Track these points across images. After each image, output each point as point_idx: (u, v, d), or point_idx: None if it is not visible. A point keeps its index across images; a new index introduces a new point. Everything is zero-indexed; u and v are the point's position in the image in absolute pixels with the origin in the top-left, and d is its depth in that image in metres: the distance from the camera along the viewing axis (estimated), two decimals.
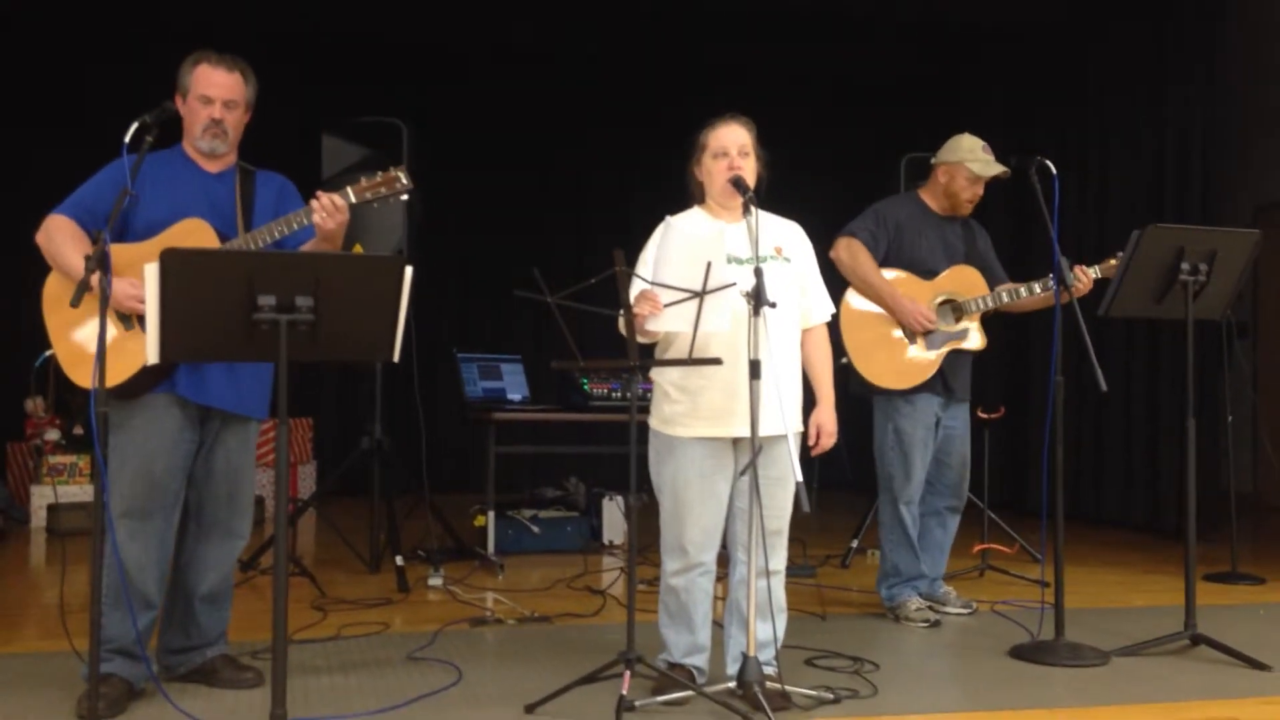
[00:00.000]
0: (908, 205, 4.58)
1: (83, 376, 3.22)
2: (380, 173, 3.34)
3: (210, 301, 2.73)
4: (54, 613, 4.45)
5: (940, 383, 4.42)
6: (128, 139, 3.04)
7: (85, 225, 3.26)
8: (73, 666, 3.37)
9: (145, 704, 3.20)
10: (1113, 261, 4.17)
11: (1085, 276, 4.20)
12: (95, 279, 2.85)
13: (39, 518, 6.68)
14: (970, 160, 4.42)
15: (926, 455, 4.44)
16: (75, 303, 2.87)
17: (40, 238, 3.28)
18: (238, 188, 3.40)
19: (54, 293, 3.29)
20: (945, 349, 4.40)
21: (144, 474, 3.22)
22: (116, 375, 3.13)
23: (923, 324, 4.34)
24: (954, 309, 4.43)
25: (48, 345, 3.30)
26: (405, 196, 3.36)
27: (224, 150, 3.38)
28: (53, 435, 6.84)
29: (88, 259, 2.86)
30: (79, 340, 3.25)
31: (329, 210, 3.22)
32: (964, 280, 4.44)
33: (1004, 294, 4.39)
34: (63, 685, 3.34)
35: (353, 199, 3.28)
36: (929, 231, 4.49)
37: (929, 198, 4.57)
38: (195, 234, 3.24)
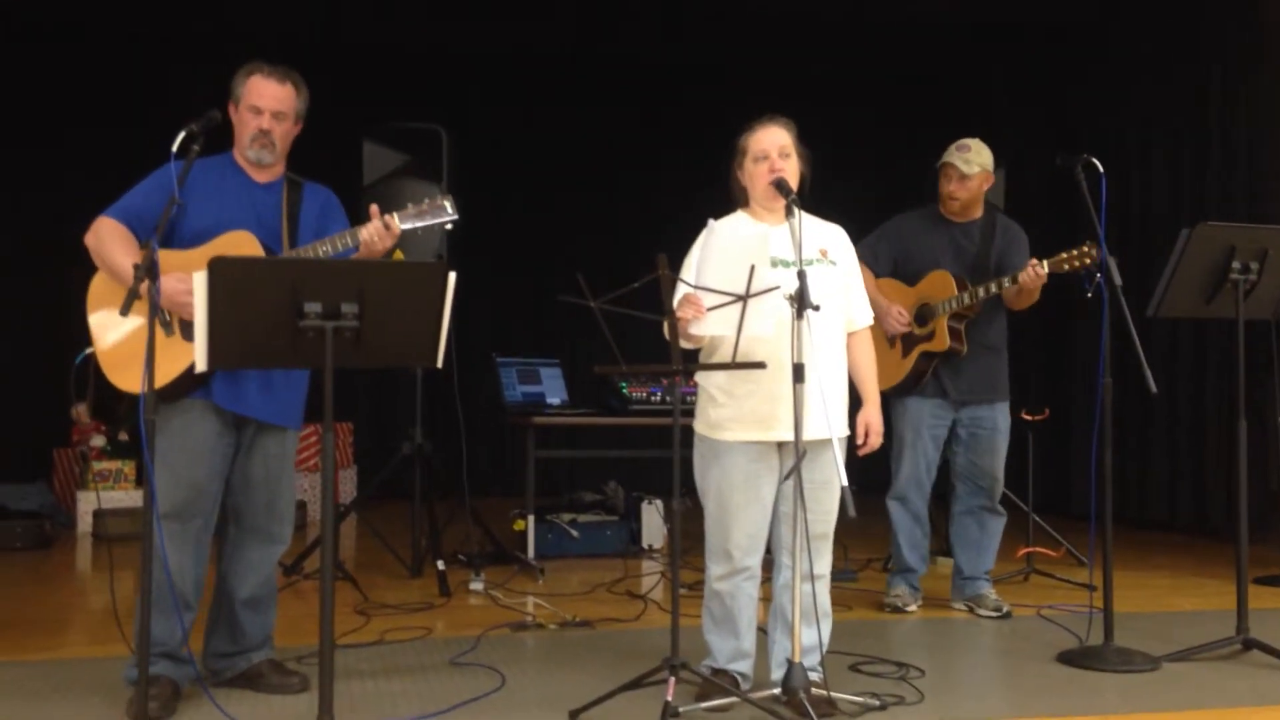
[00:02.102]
0: (916, 217, 4.74)
1: (122, 379, 3.25)
2: (428, 200, 3.38)
3: (257, 309, 2.75)
4: (99, 618, 4.51)
5: (934, 385, 4.54)
6: (175, 147, 3.07)
7: (134, 230, 3.30)
8: (118, 672, 3.41)
9: (193, 709, 3.22)
10: (1063, 255, 4.21)
11: (1035, 271, 4.24)
12: (144, 287, 2.87)
13: (85, 523, 6.76)
14: (945, 155, 4.57)
15: (919, 455, 4.57)
16: (125, 311, 2.89)
17: (90, 239, 3.31)
18: (284, 199, 3.42)
19: (99, 293, 3.33)
20: (915, 351, 4.54)
21: (183, 477, 3.25)
22: (158, 379, 3.15)
23: (896, 325, 4.53)
24: (927, 312, 4.53)
25: (88, 344, 3.32)
26: (450, 226, 3.41)
27: (271, 161, 3.41)
28: (98, 441, 6.91)
29: (136, 267, 2.89)
30: (119, 343, 3.27)
31: (379, 234, 3.25)
32: (938, 285, 4.53)
33: (965, 296, 4.44)
34: (109, 691, 3.37)
35: (401, 225, 3.31)
36: (935, 237, 4.61)
37: (942, 204, 4.67)
38: (240, 247, 3.26)
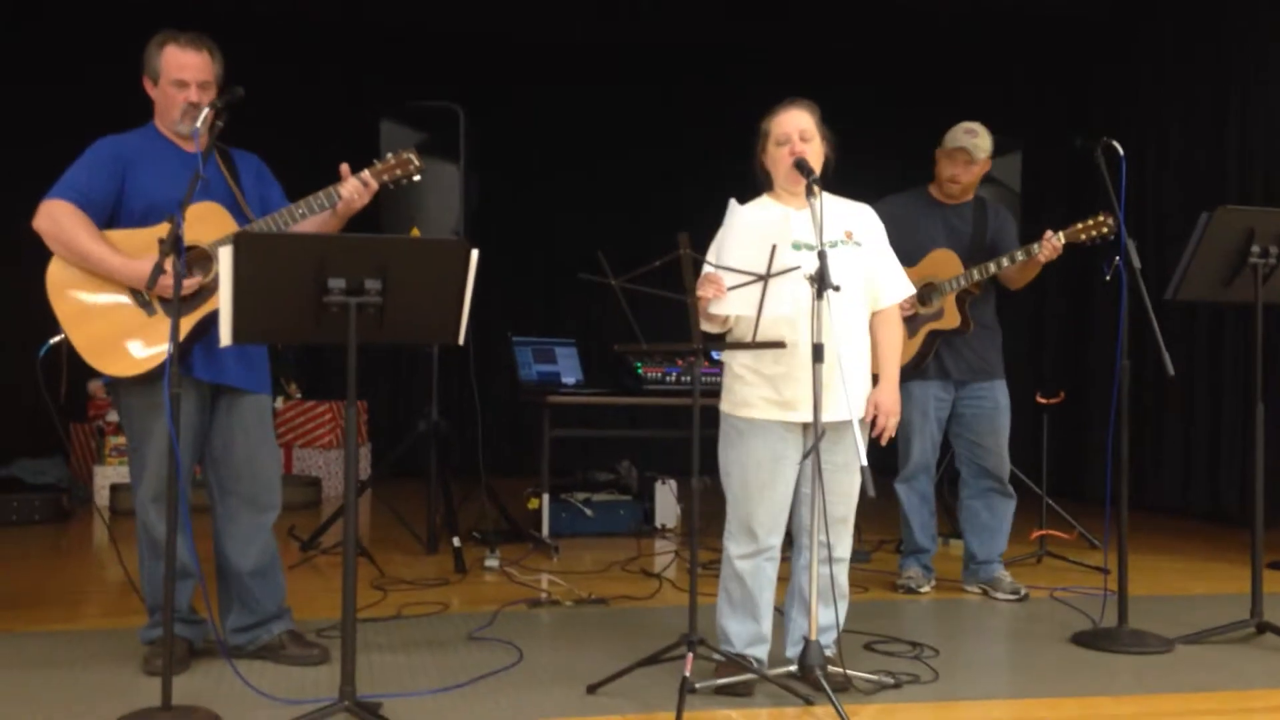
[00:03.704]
0: (907, 199, 4.71)
1: (107, 364, 3.22)
2: (392, 155, 3.36)
3: (281, 284, 2.77)
4: (116, 590, 4.55)
5: (935, 367, 4.55)
6: (199, 124, 3.08)
7: (85, 210, 3.23)
8: (135, 641, 3.48)
9: (215, 680, 3.26)
10: (1079, 226, 4.19)
11: (1053, 244, 4.22)
12: (169, 261, 2.89)
13: (102, 497, 6.81)
14: (946, 138, 4.56)
15: (927, 438, 4.59)
16: (150, 286, 2.91)
17: (45, 224, 3.22)
18: (223, 168, 3.39)
19: (59, 279, 3.24)
20: (923, 331, 4.51)
21: (169, 455, 3.24)
22: (142, 361, 3.18)
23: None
24: (931, 291, 4.50)
25: (53, 333, 3.25)
26: (417, 178, 3.38)
27: (202, 131, 3.29)
28: (114, 417, 6.94)
29: (161, 242, 2.90)
30: (95, 327, 3.22)
31: (359, 191, 3.27)
32: (941, 263, 4.51)
33: (974, 272, 4.42)
34: (127, 659, 3.44)
35: (372, 183, 3.31)
36: (929, 220, 4.59)
37: (934, 187, 4.68)
38: (211, 217, 3.24)
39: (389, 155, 3.36)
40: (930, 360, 4.54)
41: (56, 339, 3.24)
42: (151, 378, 3.19)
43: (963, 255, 4.51)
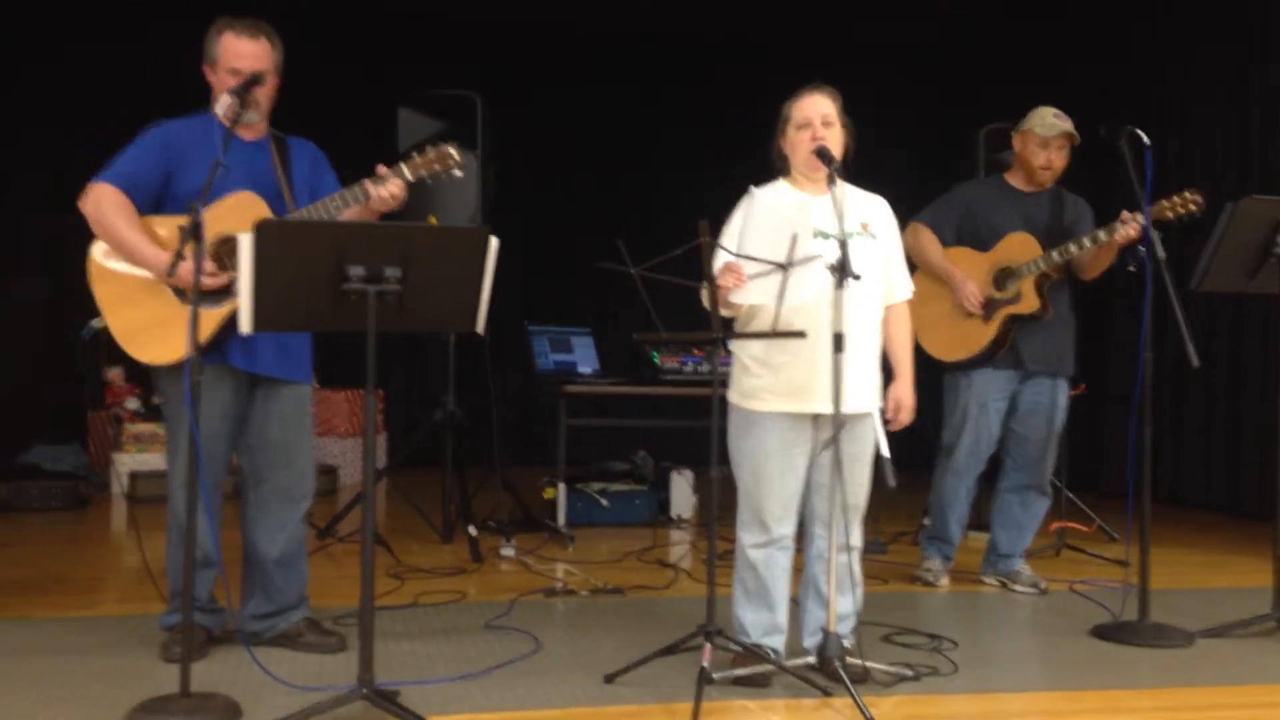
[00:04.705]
0: (982, 186, 4.66)
1: (141, 351, 3.25)
2: (431, 148, 3.30)
3: (301, 271, 2.76)
4: (134, 577, 4.57)
5: (1011, 356, 4.42)
6: (220, 110, 3.07)
7: (132, 197, 3.25)
8: (153, 627, 3.49)
9: (233, 667, 3.27)
10: (1165, 203, 4.05)
11: (1129, 226, 4.07)
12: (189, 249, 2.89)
13: (119, 485, 6.83)
14: (1037, 125, 4.41)
15: (981, 429, 4.48)
16: (171, 272, 2.90)
17: (88, 206, 3.26)
18: (275, 157, 3.40)
19: (100, 263, 3.29)
20: (1000, 315, 4.40)
21: (207, 441, 3.25)
22: (177, 348, 3.17)
23: (972, 305, 4.40)
24: (1008, 275, 4.41)
25: (94, 314, 3.29)
26: (458, 173, 3.31)
27: (257, 119, 3.35)
28: (132, 404, 6.98)
29: (181, 229, 2.90)
30: (133, 313, 3.25)
31: (386, 201, 3.24)
32: (1018, 247, 4.41)
33: (1054, 254, 4.31)
34: (145, 644, 3.45)
35: (409, 177, 3.28)
36: (1005, 207, 4.49)
37: (1012, 175, 4.57)
38: (248, 207, 3.24)
39: (428, 149, 3.30)
40: (1006, 348, 4.42)
41: (99, 321, 3.27)
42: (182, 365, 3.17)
43: (1039, 243, 4.37)
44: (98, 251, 3.30)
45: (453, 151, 3.29)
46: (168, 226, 3.22)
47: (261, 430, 3.42)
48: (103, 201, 3.23)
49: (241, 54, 3.29)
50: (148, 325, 3.23)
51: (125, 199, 3.23)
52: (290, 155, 3.43)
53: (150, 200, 3.28)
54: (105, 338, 3.27)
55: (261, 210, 3.25)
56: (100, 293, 3.28)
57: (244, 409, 3.39)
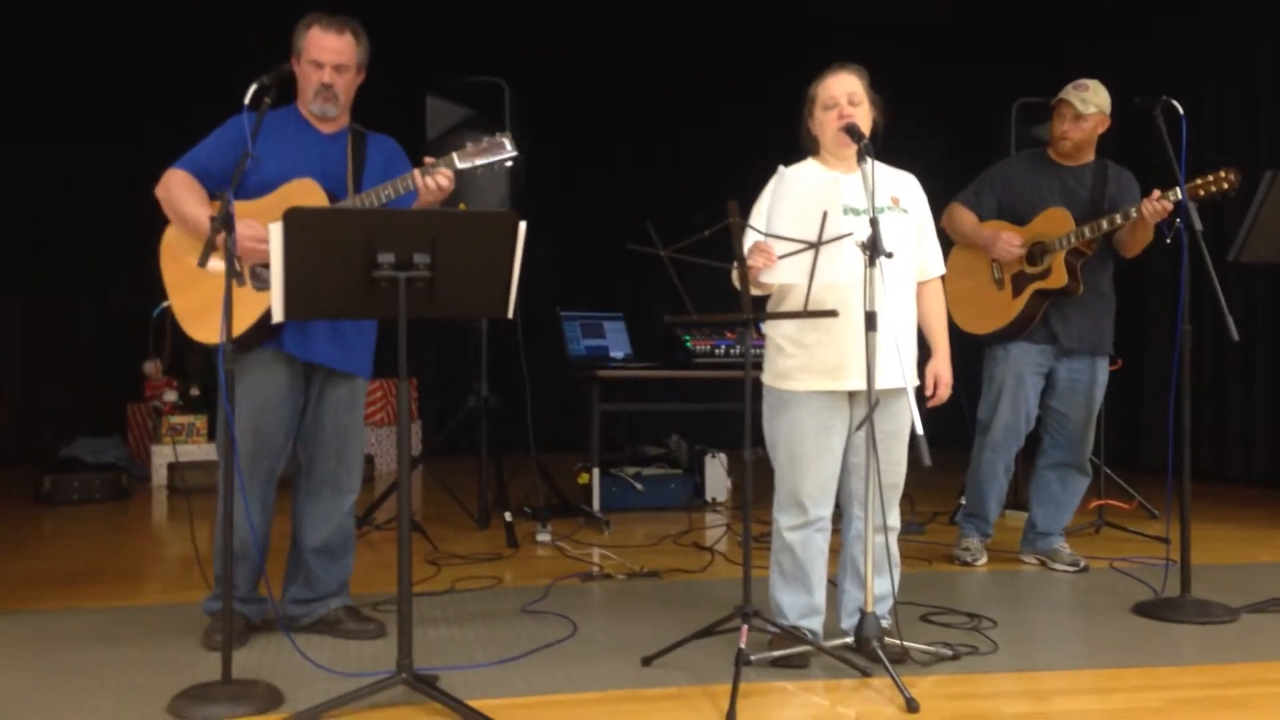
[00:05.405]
0: (1023, 161, 4.62)
1: (198, 331, 3.31)
2: (486, 138, 3.34)
3: (332, 259, 2.77)
4: (176, 567, 4.62)
5: (1044, 331, 4.39)
6: (247, 100, 3.08)
7: (203, 182, 3.33)
8: (195, 617, 3.52)
9: (274, 654, 3.30)
10: (1199, 181, 3.94)
11: (1162, 204, 3.99)
12: (220, 238, 2.90)
13: (159, 476, 6.92)
14: (1064, 95, 4.37)
15: (1019, 404, 4.44)
16: (202, 262, 2.92)
17: (160, 191, 3.35)
18: (349, 150, 3.43)
19: (171, 245, 3.37)
20: (1029, 290, 4.37)
21: (253, 428, 3.31)
22: (232, 330, 3.19)
23: (1007, 251, 4.36)
24: (1042, 250, 4.36)
25: (164, 298, 3.38)
26: (510, 163, 3.35)
27: (335, 113, 3.42)
28: (170, 396, 7.06)
29: (213, 219, 2.92)
30: (193, 295, 3.31)
31: (433, 191, 3.26)
32: (1054, 221, 4.35)
33: (1085, 229, 4.24)
34: (187, 634, 3.49)
35: (459, 165, 3.30)
36: (1045, 181, 4.44)
37: (1052, 149, 4.51)
38: (305, 193, 3.28)
39: (482, 139, 3.34)
40: (1038, 323, 4.38)
41: (167, 303, 3.36)
42: (239, 346, 3.18)
43: (1078, 217, 4.29)
44: (168, 235, 3.38)
45: (506, 143, 3.33)
46: (241, 209, 3.24)
47: (315, 419, 3.46)
48: (171, 183, 3.33)
49: (325, 48, 3.35)
50: (204, 305, 3.27)
51: (194, 181, 3.32)
52: (366, 149, 3.48)
53: (220, 187, 3.30)
54: (170, 320, 3.36)
55: (318, 198, 3.28)
56: (167, 275, 3.37)
57: (303, 395, 3.43)
